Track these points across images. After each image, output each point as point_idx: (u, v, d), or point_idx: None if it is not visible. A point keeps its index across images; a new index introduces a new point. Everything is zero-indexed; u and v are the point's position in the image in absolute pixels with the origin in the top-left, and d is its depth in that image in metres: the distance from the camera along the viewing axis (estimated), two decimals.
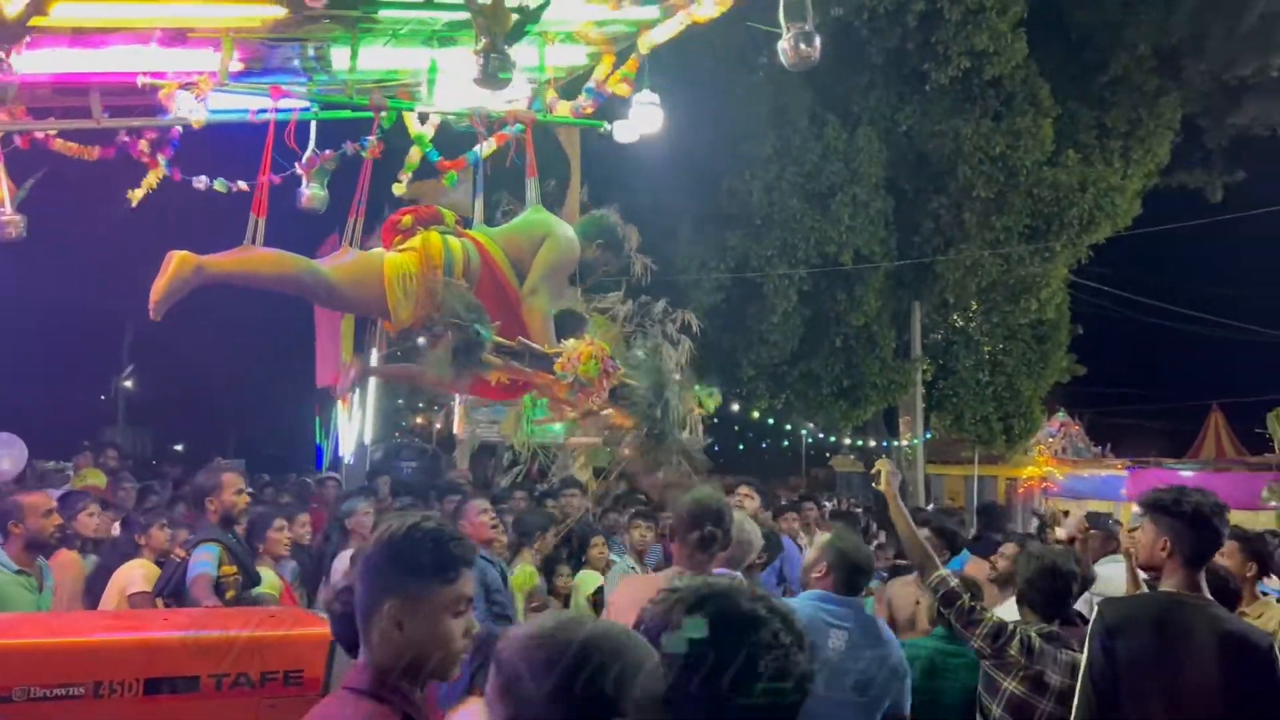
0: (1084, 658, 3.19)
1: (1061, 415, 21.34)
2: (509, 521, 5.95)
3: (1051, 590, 3.70)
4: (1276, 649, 2.98)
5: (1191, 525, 3.11)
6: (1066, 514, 11.45)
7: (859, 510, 16.18)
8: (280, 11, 3.87)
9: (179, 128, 4.90)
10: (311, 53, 4.52)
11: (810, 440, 21.64)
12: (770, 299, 14.64)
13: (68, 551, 5.00)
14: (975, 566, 5.11)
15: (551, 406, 4.71)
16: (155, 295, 3.92)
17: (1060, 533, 7.98)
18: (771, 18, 3.80)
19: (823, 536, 3.83)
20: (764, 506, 6.28)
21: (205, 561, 4.26)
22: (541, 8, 3.64)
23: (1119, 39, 15.56)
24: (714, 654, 1.47)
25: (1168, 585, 3.18)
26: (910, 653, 3.73)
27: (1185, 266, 23.49)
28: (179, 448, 26.84)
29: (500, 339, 4.19)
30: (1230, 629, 3.03)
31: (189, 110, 4.37)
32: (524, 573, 5.57)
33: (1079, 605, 4.51)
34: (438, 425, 18.79)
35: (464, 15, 3.90)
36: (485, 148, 4.92)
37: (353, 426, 14.20)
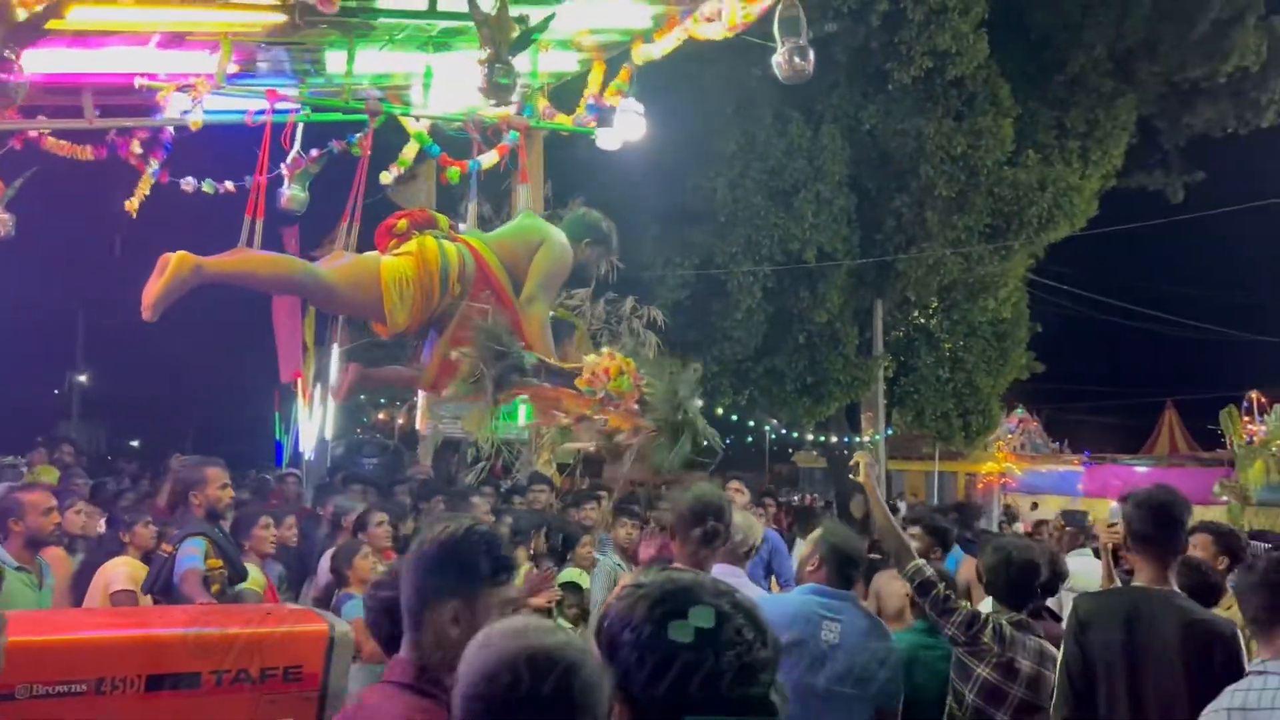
0: (1060, 652, 3.34)
1: (1020, 412, 21.65)
2: (508, 521, 5.96)
3: (1013, 580, 3.80)
4: (1240, 638, 3.07)
5: (1157, 523, 3.25)
6: (1035, 506, 11.65)
7: (821, 505, 16.32)
8: (281, 18, 3.86)
9: (171, 130, 4.90)
10: (305, 56, 4.52)
11: (774, 436, 21.75)
12: (734, 296, 14.68)
13: (56, 549, 4.95)
14: (969, 565, 5.18)
15: (540, 412, 4.71)
16: (153, 295, 3.88)
17: (1020, 526, 8.07)
18: (763, 30, 3.85)
19: (816, 531, 3.91)
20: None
21: (193, 555, 4.23)
22: (548, 19, 3.68)
23: (1078, 40, 15.77)
24: (676, 650, 1.47)
25: (1139, 579, 3.34)
26: None
27: (1143, 266, 23.92)
28: (135, 443, 26.39)
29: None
30: (1195, 619, 3.14)
31: (184, 112, 4.37)
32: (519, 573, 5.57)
33: (1049, 602, 4.62)
34: (400, 421, 18.63)
35: (459, 22, 3.92)
36: (487, 158, 4.94)
37: (313, 422, 14.01)
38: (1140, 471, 19.03)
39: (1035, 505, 11.88)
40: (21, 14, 3.18)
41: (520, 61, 4.35)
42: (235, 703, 2.91)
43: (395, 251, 4.32)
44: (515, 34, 3.49)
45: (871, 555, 6.28)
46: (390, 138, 5.18)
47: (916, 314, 17.55)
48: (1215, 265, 24.27)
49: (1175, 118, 17.68)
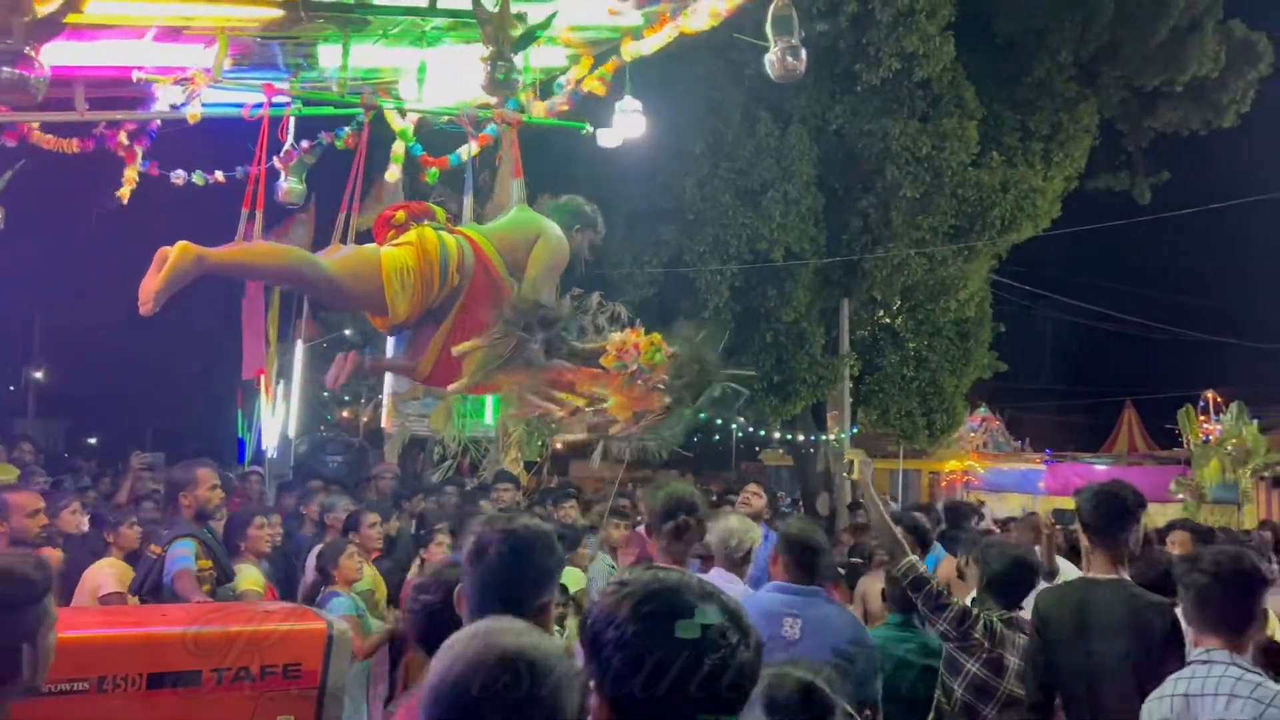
0: (1026, 642, 3.51)
1: (983, 411, 21.93)
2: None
3: (1015, 579, 3.89)
4: (1179, 614, 3.18)
5: (1108, 515, 3.48)
6: (982, 504, 11.87)
7: (788, 502, 16.38)
8: (276, 13, 3.83)
9: (158, 121, 4.86)
10: (298, 50, 4.50)
11: (740, 435, 21.81)
12: (702, 294, 14.71)
13: (53, 551, 4.87)
14: (950, 564, 5.25)
15: (523, 404, 4.70)
16: (153, 287, 3.81)
17: (985, 524, 8.21)
18: (752, 28, 3.87)
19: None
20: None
21: (184, 556, 4.21)
22: (551, 17, 3.70)
23: (1042, 44, 15.99)
24: (659, 650, 1.47)
25: (1091, 570, 3.61)
26: None
27: (1105, 268, 24.31)
28: (93, 441, 25.96)
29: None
30: (1139, 603, 3.39)
31: (178, 105, 4.34)
32: None
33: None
34: (365, 419, 18.47)
35: (458, 18, 3.92)
36: (467, 150, 4.94)
37: (276, 419, 13.84)
38: (1100, 469, 19.34)
39: (982, 503, 12.12)
40: (41, 9, 3.15)
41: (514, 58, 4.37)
42: (235, 700, 2.95)
43: (394, 242, 4.31)
44: (518, 32, 3.50)
45: (853, 560, 6.34)
46: (384, 132, 5.17)
47: (881, 313, 17.68)
48: (1175, 267, 24.70)
49: (1137, 121, 17.98)
